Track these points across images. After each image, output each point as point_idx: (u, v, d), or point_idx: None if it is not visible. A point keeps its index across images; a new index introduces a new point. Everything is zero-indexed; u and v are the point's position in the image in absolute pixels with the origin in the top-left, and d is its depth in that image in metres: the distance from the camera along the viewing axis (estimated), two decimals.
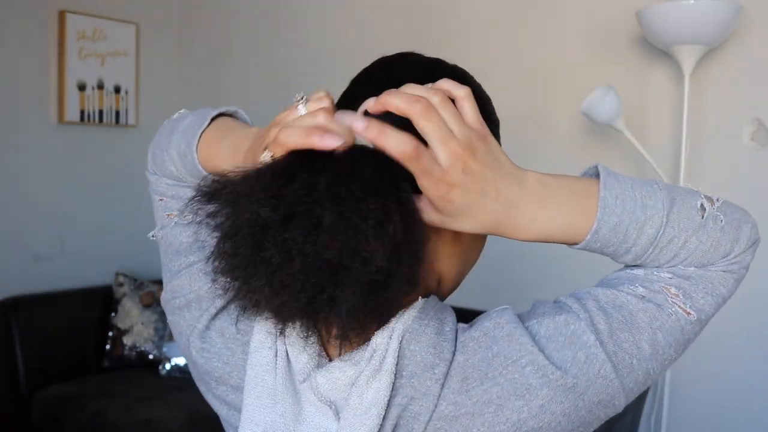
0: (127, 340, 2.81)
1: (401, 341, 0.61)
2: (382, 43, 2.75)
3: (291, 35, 3.00)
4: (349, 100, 0.67)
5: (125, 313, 2.84)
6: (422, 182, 0.56)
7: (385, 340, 0.61)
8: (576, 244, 0.62)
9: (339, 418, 0.60)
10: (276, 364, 0.63)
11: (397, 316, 0.62)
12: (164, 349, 2.76)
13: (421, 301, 0.63)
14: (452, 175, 0.56)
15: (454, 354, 0.61)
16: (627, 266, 0.66)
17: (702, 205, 0.62)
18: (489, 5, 2.46)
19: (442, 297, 0.70)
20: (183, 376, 2.70)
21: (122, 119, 3.14)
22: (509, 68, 2.39)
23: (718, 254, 0.63)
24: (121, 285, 2.89)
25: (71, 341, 2.78)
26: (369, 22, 2.76)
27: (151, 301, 2.88)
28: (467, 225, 0.60)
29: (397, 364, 0.60)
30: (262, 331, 0.65)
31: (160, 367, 2.73)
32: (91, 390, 2.56)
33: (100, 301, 2.89)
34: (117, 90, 3.12)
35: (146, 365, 2.80)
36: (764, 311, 1.93)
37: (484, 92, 0.72)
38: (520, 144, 2.32)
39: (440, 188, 0.56)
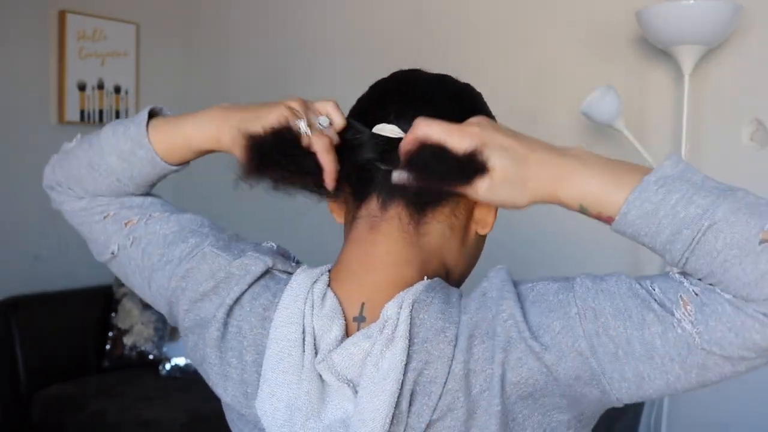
0: (127, 340, 2.81)
1: (411, 310, 0.63)
2: (382, 43, 2.75)
3: (291, 35, 3.00)
4: (369, 114, 0.73)
5: (125, 313, 2.84)
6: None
7: (396, 310, 0.63)
8: (610, 223, 0.62)
9: (357, 394, 0.62)
10: (304, 340, 0.65)
11: (405, 290, 0.65)
12: (164, 349, 2.76)
13: (427, 279, 0.67)
14: (476, 130, 0.63)
15: (460, 317, 0.63)
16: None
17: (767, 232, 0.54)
18: (489, 5, 2.46)
19: None
20: (183, 376, 2.70)
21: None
22: (509, 68, 2.39)
23: (762, 293, 0.54)
24: (121, 285, 2.89)
25: (71, 341, 2.77)
26: (370, 23, 2.76)
27: None
28: (520, 194, 0.63)
29: (408, 332, 0.62)
30: (289, 306, 0.66)
31: (160, 367, 2.73)
32: (91, 390, 2.56)
33: (100, 301, 2.88)
34: (117, 90, 3.11)
35: (146, 365, 2.80)
36: None
37: (490, 112, 0.76)
38: None
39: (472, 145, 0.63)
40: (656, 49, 2.03)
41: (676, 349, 0.57)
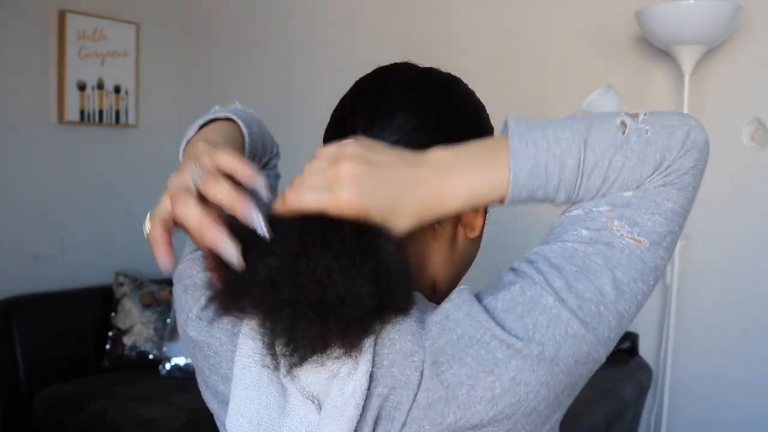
0: (127, 340, 2.81)
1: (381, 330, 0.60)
2: (382, 42, 2.75)
3: (292, 34, 3.00)
4: (348, 113, 0.70)
5: (125, 313, 2.84)
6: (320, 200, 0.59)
7: None
8: (504, 200, 0.61)
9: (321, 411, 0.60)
10: (262, 353, 0.62)
11: None
12: (164, 349, 2.76)
13: None
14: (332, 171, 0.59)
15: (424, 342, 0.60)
16: (566, 210, 0.64)
17: (623, 122, 0.60)
18: (489, 5, 2.46)
19: (437, 302, 0.68)
20: (183, 376, 2.70)
21: (122, 119, 3.14)
22: (509, 68, 2.39)
23: (649, 167, 0.60)
24: (121, 285, 2.89)
25: (71, 341, 2.78)
26: (370, 21, 2.76)
27: (151, 301, 2.88)
28: (401, 221, 0.60)
29: (377, 354, 0.59)
30: (252, 321, 0.64)
31: (160, 367, 2.73)
32: (91, 390, 2.56)
33: (100, 301, 2.89)
34: (117, 90, 3.12)
35: (146, 365, 2.80)
36: (761, 308, 1.93)
37: (477, 99, 0.72)
38: None
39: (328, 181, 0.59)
40: (656, 49, 2.03)
41: (634, 269, 0.59)
